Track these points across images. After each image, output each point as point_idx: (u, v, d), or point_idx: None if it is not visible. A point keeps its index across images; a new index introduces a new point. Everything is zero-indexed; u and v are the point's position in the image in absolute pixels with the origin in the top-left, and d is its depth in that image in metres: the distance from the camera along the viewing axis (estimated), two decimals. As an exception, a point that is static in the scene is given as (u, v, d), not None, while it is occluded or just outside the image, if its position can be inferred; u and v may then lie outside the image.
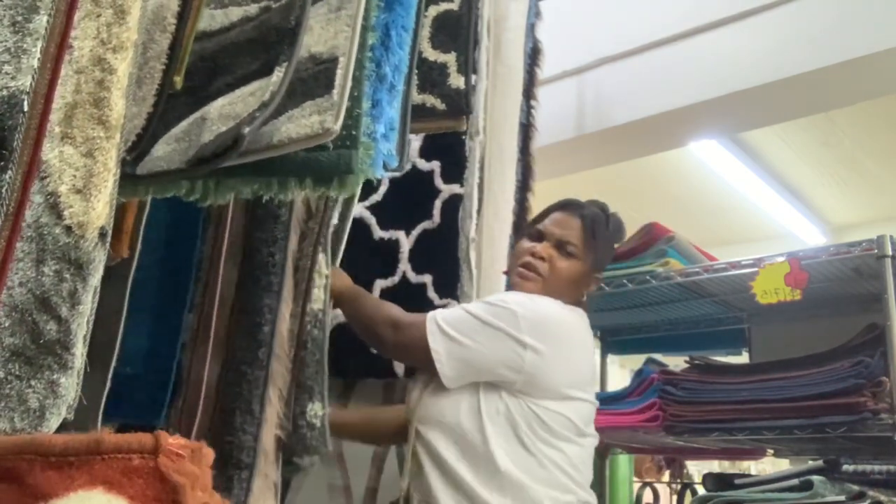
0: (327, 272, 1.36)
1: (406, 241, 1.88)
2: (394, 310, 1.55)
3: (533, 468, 1.41)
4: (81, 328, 0.63)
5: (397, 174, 1.92)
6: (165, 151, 0.78)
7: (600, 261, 1.64)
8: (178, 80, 0.76)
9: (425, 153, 1.92)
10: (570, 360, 1.50)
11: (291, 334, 1.26)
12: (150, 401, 1.07)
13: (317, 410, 1.30)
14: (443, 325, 1.44)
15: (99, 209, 0.63)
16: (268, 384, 1.16)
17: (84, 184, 0.63)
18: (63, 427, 0.63)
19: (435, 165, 1.90)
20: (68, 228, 0.62)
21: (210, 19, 0.85)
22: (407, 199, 1.90)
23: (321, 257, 1.31)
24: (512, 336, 1.42)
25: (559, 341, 1.48)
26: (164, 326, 1.10)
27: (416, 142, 1.93)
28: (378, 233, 1.92)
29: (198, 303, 1.14)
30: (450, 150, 1.86)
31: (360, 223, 1.92)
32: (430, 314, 1.47)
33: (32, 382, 0.60)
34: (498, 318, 1.44)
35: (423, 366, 1.50)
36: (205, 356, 1.11)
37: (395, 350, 1.59)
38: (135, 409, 1.01)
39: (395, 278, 1.86)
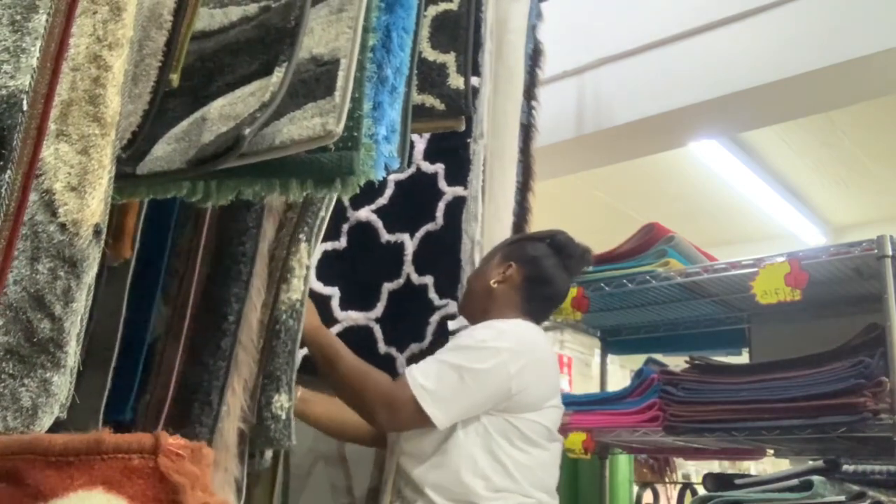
0: (308, 262, 1.33)
1: (410, 244, 1.89)
2: (383, 383, 1.51)
3: (504, 483, 1.47)
4: (75, 326, 0.62)
5: (402, 177, 1.92)
6: (165, 151, 0.77)
7: (504, 255, 1.69)
8: (175, 78, 0.76)
9: (429, 156, 1.93)
10: (546, 376, 1.58)
11: (262, 325, 1.24)
12: (118, 395, 1.05)
13: (283, 402, 1.27)
14: (430, 387, 1.45)
15: (93, 206, 0.63)
16: (230, 375, 1.14)
17: (79, 181, 0.62)
18: (62, 427, 0.63)
19: (439, 168, 1.90)
20: (63, 226, 0.62)
21: (209, 19, 0.85)
22: (412, 202, 1.91)
23: (304, 247, 1.28)
24: (498, 372, 1.48)
25: (536, 362, 1.55)
26: (135, 320, 1.08)
27: (420, 144, 1.94)
28: (385, 236, 1.93)
29: (173, 295, 1.12)
30: (454, 153, 1.87)
31: (367, 227, 1.93)
32: (413, 380, 1.46)
33: (26, 381, 0.60)
34: (481, 361, 1.48)
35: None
36: (177, 350, 1.09)
37: (393, 428, 1.58)
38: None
39: (401, 281, 1.88)
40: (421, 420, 1.45)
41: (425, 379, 1.46)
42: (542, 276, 1.67)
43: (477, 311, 1.66)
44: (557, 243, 1.71)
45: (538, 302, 1.67)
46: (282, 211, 1.28)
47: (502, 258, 1.69)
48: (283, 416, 1.27)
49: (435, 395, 1.45)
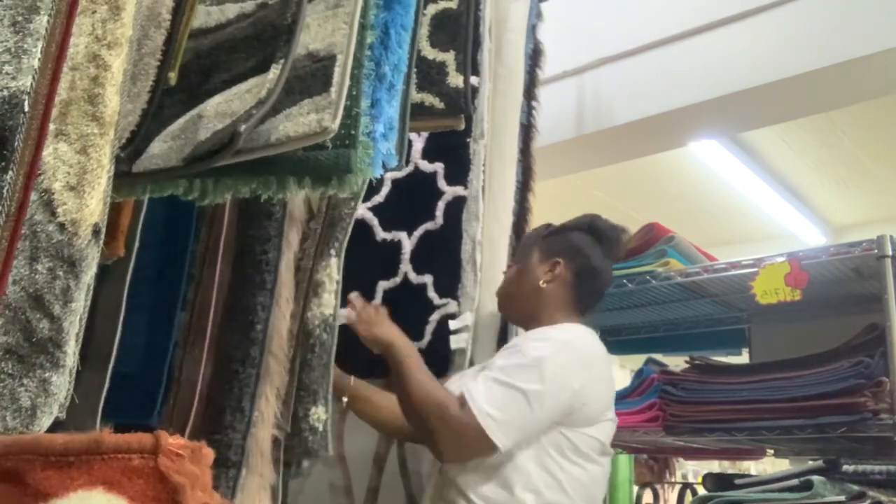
0: (338, 277, 1.34)
1: (408, 242, 1.88)
2: (450, 414, 1.40)
3: (557, 498, 1.40)
4: (74, 326, 0.62)
5: (399, 175, 1.92)
6: (161, 149, 0.77)
7: (545, 250, 1.62)
8: (173, 76, 0.75)
9: (428, 155, 1.92)
10: (605, 387, 1.51)
11: (291, 334, 1.25)
12: (144, 400, 1.06)
13: (320, 414, 1.28)
14: (496, 415, 1.36)
15: (92, 206, 0.63)
16: (260, 382, 1.15)
17: (77, 181, 0.62)
18: (60, 427, 0.63)
19: (438, 167, 1.90)
20: (61, 226, 0.62)
21: (206, 16, 0.85)
22: (409, 200, 1.91)
23: (334, 262, 1.29)
24: (562, 390, 1.40)
25: (597, 372, 1.49)
26: (158, 325, 1.09)
27: (418, 143, 1.93)
28: (380, 234, 1.92)
29: (190, 301, 1.14)
30: (453, 152, 1.86)
31: (362, 224, 1.92)
32: (478, 410, 1.36)
33: (24, 381, 0.60)
34: (544, 381, 1.39)
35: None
36: (200, 356, 1.10)
37: (455, 459, 1.46)
38: (128, 408, 1.00)
39: (397, 279, 1.87)
40: (486, 448, 1.36)
41: (490, 406, 1.37)
42: (592, 269, 1.60)
43: (524, 314, 1.60)
44: (597, 230, 1.63)
45: (588, 298, 1.61)
46: (304, 221, 1.29)
47: (544, 255, 1.60)
48: (321, 428, 1.28)
49: (500, 423, 1.36)
